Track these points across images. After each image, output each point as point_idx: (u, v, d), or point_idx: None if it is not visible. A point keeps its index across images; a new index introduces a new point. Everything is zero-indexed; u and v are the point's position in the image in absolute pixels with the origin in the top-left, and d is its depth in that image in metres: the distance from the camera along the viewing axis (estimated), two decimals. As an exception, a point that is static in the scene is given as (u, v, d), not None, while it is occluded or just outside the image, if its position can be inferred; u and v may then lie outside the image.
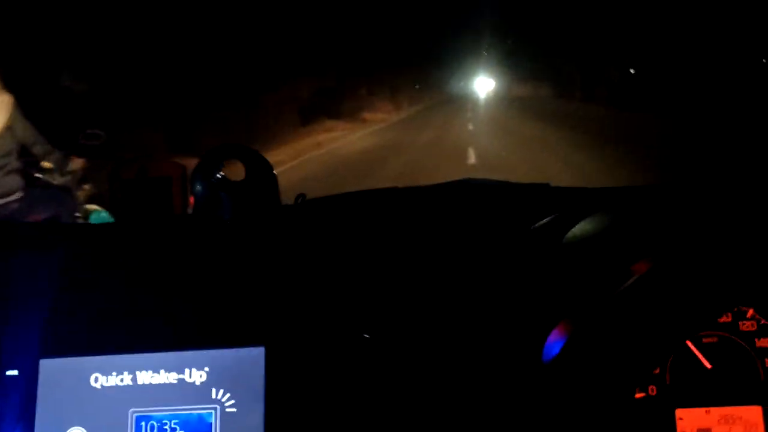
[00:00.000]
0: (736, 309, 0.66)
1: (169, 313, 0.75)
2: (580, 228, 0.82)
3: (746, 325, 0.66)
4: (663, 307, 0.65)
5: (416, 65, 42.58)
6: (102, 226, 1.18)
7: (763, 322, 0.66)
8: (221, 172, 0.84)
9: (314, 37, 18.38)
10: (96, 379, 0.70)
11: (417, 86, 51.35)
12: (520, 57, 51.97)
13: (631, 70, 23.59)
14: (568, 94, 31.86)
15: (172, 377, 0.70)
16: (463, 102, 43.15)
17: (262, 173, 0.86)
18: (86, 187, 3.19)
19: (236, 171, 0.86)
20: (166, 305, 0.76)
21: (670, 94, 15.28)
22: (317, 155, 12.25)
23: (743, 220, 0.76)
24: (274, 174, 0.87)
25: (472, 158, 8.98)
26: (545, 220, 0.85)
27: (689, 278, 0.66)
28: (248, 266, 0.79)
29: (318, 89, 20.76)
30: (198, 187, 0.84)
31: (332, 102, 22.21)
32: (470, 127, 14.61)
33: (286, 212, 0.92)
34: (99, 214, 2.52)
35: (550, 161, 9.05)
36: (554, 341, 0.64)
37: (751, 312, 0.65)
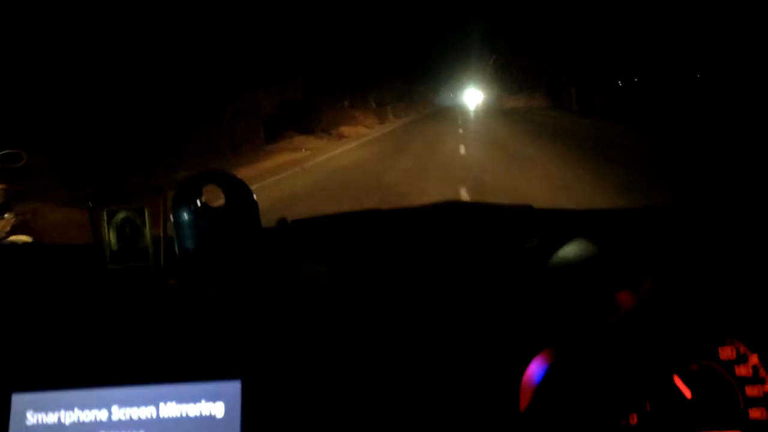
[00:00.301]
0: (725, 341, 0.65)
1: (144, 347, 0.72)
2: (564, 253, 0.82)
3: (726, 353, 0.65)
4: (650, 341, 0.63)
5: (402, 76, 42.00)
6: (78, 256, 1.01)
7: (742, 350, 0.64)
8: (201, 199, 0.81)
9: (276, 44, 16.38)
10: (70, 414, 0.69)
11: (401, 100, 50.09)
12: (510, 68, 51.31)
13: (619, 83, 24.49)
14: (563, 106, 32.25)
15: (147, 412, 0.69)
16: (452, 114, 42.21)
17: (242, 199, 0.82)
18: (7, 216, 2.58)
19: (218, 196, 0.83)
20: (141, 339, 0.74)
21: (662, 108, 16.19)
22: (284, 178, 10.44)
23: (729, 247, 0.77)
24: (255, 200, 0.83)
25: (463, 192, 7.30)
26: (530, 243, 0.86)
27: (677, 312, 0.65)
28: (223, 298, 0.78)
29: (282, 101, 18.26)
30: (177, 215, 0.81)
31: (303, 115, 20.25)
32: (461, 150, 12.57)
33: (267, 236, 0.89)
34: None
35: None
36: (537, 368, 0.61)
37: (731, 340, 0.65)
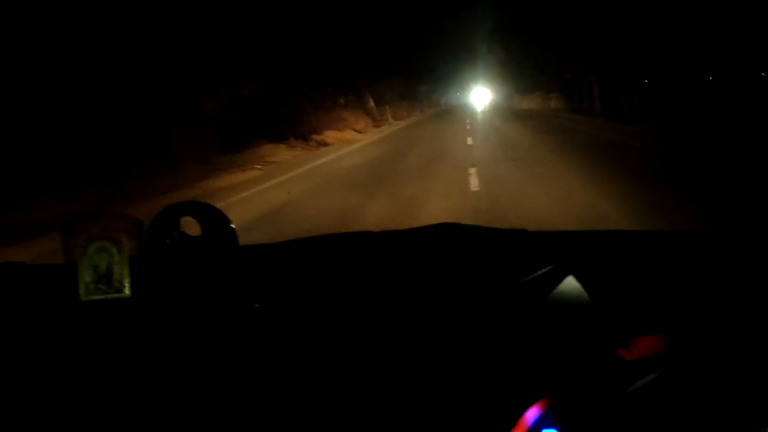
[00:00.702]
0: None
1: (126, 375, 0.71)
2: (560, 292, 0.76)
3: None
4: (671, 415, 0.52)
5: (403, 73, 38.06)
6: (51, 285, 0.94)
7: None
8: (179, 229, 0.81)
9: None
10: None
11: (403, 99, 46.03)
12: (523, 65, 47.17)
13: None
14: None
15: None
16: (458, 114, 38.16)
17: (219, 228, 0.82)
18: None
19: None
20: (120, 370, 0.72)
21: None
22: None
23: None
24: (233, 228, 0.82)
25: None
26: (526, 277, 0.82)
27: (702, 383, 0.54)
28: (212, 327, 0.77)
29: (241, 99, 14.07)
30: (154, 246, 0.80)
31: (274, 117, 16.22)
32: (473, 184, 7.66)
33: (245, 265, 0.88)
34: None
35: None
36: (532, 417, 0.55)
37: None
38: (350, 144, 16.67)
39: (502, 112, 32.41)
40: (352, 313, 0.80)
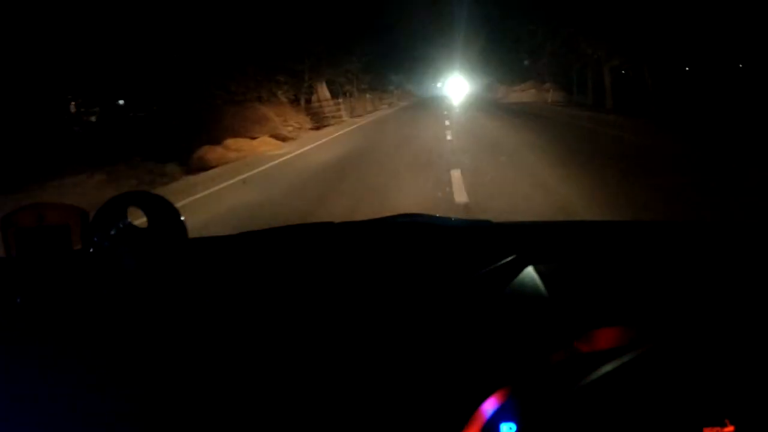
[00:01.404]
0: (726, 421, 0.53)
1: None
2: (518, 284, 0.76)
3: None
4: (632, 406, 0.52)
5: (372, 59, 31.20)
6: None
7: (728, 429, 0.52)
8: (126, 220, 0.79)
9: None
10: None
11: (373, 90, 38.94)
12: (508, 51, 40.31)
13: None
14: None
15: None
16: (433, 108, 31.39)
17: (166, 219, 0.79)
18: None
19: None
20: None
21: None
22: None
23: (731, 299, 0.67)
24: (181, 219, 0.80)
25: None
26: (484, 269, 0.81)
27: (669, 375, 0.53)
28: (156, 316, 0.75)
29: None
30: (99, 236, 0.78)
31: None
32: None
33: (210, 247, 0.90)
34: None
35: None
36: (490, 408, 0.55)
37: (727, 423, 0.52)
38: (252, 166, 9.54)
39: (487, 107, 25.45)
40: (305, 306, 0.78)
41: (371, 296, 0.79)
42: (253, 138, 13.04)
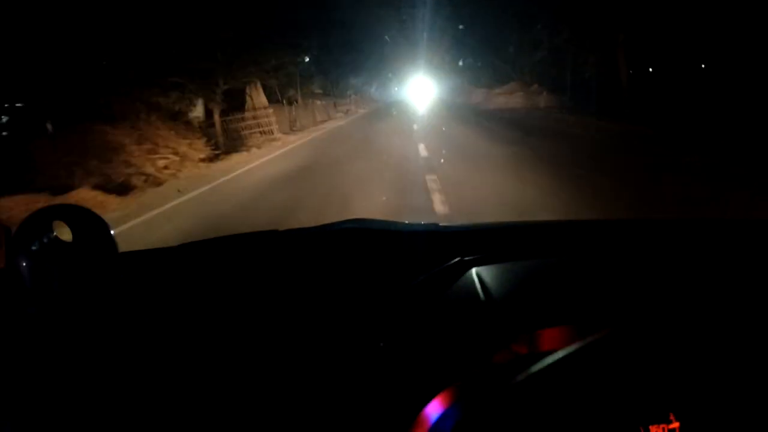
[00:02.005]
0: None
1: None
2: (454, 291, 0.76)
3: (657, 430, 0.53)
4: (566, 403, 0.52)
5: (327, 62, 25.06)
6: None
7: (674, 425, 0.52)
8: (51, 234, 0.75)
9: None
10: None
11: (326, 95, 32.97)
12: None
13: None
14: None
15: None
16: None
17: (94, 233, 0.76)
18: None
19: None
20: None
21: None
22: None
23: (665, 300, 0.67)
24: (110, 233, 0.77)
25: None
26: (428, 273, 0.81)
27: (610, 370, 0.54)
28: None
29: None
30: (21, 253, 0.75)
31: None
32: None
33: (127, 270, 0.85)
34: None
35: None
36: (435, 410, 0.54)
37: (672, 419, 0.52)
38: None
39: (467, 116, 19.71)
40: (244, 316, 0.78)
41: (310, 303, 0.79)
42: (69, 189, 6.90)
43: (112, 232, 0.76)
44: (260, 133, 15.37)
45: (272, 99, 21.69)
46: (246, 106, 17.11)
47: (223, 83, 14.28)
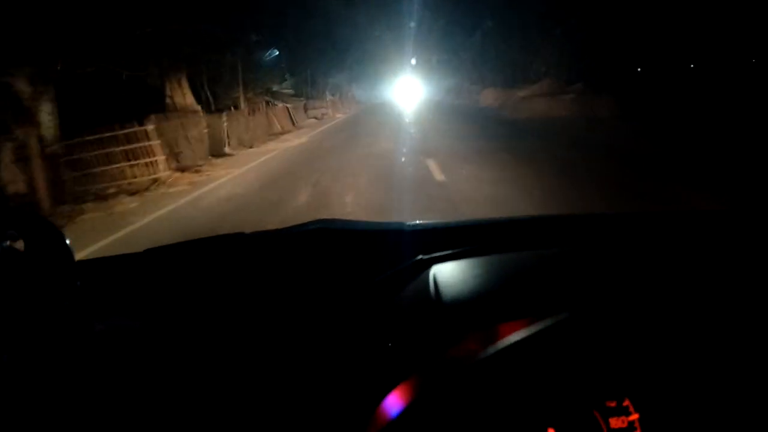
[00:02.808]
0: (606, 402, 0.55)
1: None
2: (413, 288, 0.76)
3: (617, 422, 0.54)
4: (521, 392, 0.54)
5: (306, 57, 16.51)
6: None
7: (632, 417, 0.53)
8: (5, 243, 0.73)
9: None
10: None
11: (299, 95, 25.63)
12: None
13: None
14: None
15: None
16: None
17: (47, 241, 0.75)
18: None
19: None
20: None
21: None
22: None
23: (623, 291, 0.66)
24: (65, 240, 0.75)
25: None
26: (381, 275, 0.82)
27: (564, 356, 0.55)
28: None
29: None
30: None
31: None
32: None
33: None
34: None
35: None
36: (393, 404, 0.55)
37: (626, 402, 0.53)
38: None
39: (508, 135, 12.49)
40: (207, 320, 0.78)
41: (271, 304, 0.80)
42: None
43: (67, 240, 0.74)
44: (145, 165, 8.23)
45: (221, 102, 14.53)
46: (168, 106, 10.18)
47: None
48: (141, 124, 8.30)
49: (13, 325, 0.67)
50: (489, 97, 23.15)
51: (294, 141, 14.01)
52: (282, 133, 17.41)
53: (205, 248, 1.02)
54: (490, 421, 0.51)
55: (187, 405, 0.63)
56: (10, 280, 0.69)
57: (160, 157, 8.35)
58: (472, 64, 27.50)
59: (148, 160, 8.25)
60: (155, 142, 8.29)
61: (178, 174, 8.44)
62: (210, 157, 10.75)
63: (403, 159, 8.36)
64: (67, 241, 0.73)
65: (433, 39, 33.20)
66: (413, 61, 39.43)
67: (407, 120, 18.05)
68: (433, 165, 7.25)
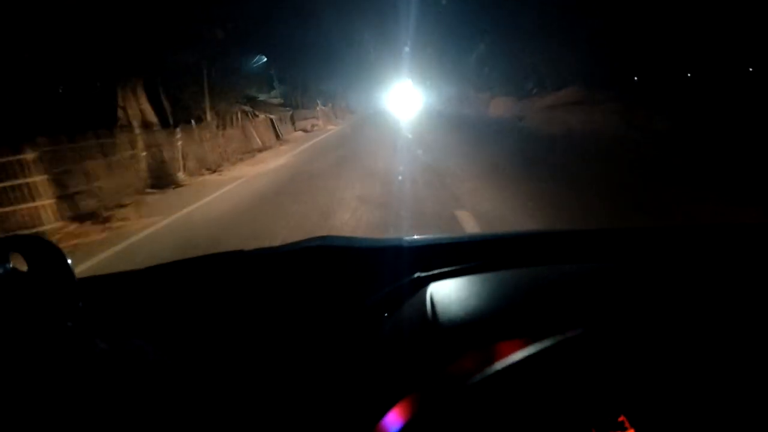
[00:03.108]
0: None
1: None
2: (408, 309, 0.76)
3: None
4: (514, 412, 0.53)
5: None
6: None
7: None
8: (8, 266, 0.74)
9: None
10: None
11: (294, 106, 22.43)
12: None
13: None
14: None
15: None
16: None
17: (50, 262, 0.75)
18: None
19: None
20: None
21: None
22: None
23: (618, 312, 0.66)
24: (66, 260, 0.76)
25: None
26: (384, 291, 0.82)
27: (565, 375, 0.55)
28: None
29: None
30: None
31: None
32: None
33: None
34: None
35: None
36: (392, 422, 0.55)
37: (621, 418, 0.53)
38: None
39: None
40: (207, 338, 0.78)
41: (270, 323, 0.80)
42: None
43: (69, 260, 0.76)
44: (21, 214, 5.34)
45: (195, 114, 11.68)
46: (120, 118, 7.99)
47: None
48: (17, 150, 5.35)
49: (16, 344, 0.67)
50: (500, 107, 20.37)
51: (271, 162, 11.09)
52: (262, 150, 14.54)
53: (205, 266, 1.02)
54: None
55: (186, 425, 0.61)
56: (15, 300, 0.69)
57: (46, 201, 5.40)
58: (479, 71, 24.70)
59: (25, 206, 5.30)
60: (38, 178, 5.35)
61: (74, 226, 5.49)
62: (147, 191, 7.80)
63: (416, 207, 5.40)
64: (69, 261, 0.73)
65: (433, 46, 30.67)
66: (410, 69, 36.86)
67: (410, 136, 15.09)
68: (467, 220, 4.35)
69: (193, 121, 11.36)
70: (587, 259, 0.87)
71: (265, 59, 25.81)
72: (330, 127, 24.17)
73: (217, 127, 12.59)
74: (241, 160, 11.97)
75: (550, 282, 0.77)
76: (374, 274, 0.89)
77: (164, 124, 11.16)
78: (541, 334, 0.56)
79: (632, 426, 0.49)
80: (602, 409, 0.51)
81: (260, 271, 1.00)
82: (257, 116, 17.16)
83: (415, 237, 1.05)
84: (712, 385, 0.51)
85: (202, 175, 9.83)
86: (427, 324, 0.67)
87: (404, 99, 39.83)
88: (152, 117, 11.20)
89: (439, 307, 0.69)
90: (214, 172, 10.25)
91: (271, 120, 18.17)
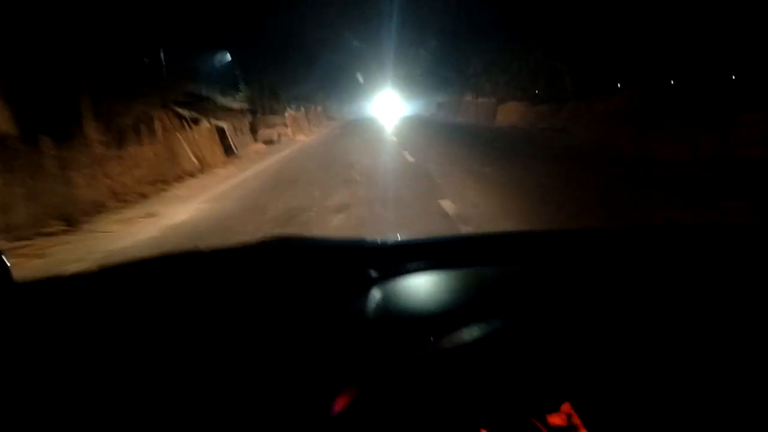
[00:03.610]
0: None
1: None
2: (363, 302, 0.76)
3: (556, 420, 0.53)
4: (462, 392, 0.55)
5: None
6: None
7: (574, 420, 0.52)
8: None
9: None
10: None
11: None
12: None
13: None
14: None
15: None
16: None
17: None
18: None
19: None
20: None
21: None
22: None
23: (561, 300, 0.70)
24: (5, 262, 0.75)
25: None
26: (337, 289, 0.83)
27: (509, 361, 0.57)
28: None
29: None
30: None
31: None
32: None
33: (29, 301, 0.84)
34: None
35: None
36: (337, 408, 0.56)
37: (567, 407, 0.53)
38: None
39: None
40: (156, 337, 0.76)
41: (222, 318, 0.79)
42: None
43: (7, 262, 0.70)
44: None
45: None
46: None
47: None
48: None
49: None
50: (512, 114, 16.28)
51: (191, 205, 6.62)
52: (195, 174, 10.06)
53: (159, 265, 1.00)
54: (423, 422, 0.52)
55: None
56: None
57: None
58: (484, 75, 20.49)
59: None
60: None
61: None
62: None
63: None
64: (4, 257, 0.70)
65: (425, 46, 26.71)
66: (396, 74, 32.76)
67: (411, 160, 10.79)
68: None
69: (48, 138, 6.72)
70: (529, 260, 0.89)
71: (229, 57, 21.29)
72: (300, 137, 19.70)
73: (115, 145, 8.05)
74: (144, 196, 7.47)
75: (491, 280, 0.80)
76: (329, 273, 0.89)
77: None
78: (472, 327, 0.58)
79: (578, 413, 0.49)
80: (539, 395, 0.51)
81: (214, 270, 0.97)
82: (199, 124, 12.61)
83: (376, 239, 1.02)
84: (656, 372, 0.51)
85: (42, 239, 5.32)
86: (377, 319, 0.70)
87: (393, 105, 36.09)
88: (11, 130, 6.61)
89: (387, 304, 0.73)
90: (74, 226, 5.74)
91: (220, 129, 13.64)
